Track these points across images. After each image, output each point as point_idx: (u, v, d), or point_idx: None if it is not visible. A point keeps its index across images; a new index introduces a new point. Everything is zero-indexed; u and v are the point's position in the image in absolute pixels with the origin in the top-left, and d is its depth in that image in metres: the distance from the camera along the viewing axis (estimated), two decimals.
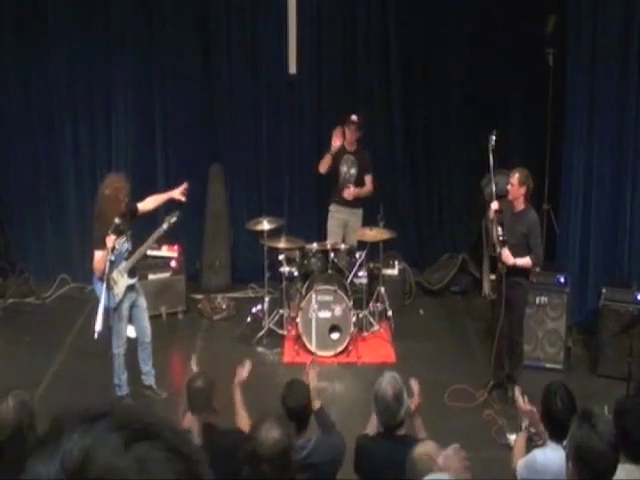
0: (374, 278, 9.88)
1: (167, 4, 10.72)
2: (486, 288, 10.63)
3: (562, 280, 8.99)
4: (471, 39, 10.79)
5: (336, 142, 9.96)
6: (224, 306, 10.38)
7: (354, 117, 9.83)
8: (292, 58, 10.73)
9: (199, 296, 10.66)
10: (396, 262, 10.38)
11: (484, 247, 10.81)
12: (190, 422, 5.61)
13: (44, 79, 10.78)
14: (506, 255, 7.95)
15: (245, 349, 9.45)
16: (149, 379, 8.43)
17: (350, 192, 9.99)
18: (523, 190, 7.98)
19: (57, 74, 10.77)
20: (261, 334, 9.58)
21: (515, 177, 8.02)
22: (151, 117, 10.93)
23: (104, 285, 7.70)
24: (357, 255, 9.64)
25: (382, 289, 9.79)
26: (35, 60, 10.73)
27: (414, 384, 5.88)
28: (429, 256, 11.21)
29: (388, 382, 5.36)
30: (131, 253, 7.98)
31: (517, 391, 5.63)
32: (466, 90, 10.98)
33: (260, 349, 9.52)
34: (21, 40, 10.66)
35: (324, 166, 10.05)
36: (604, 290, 8.75)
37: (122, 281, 7.97)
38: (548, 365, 8.89)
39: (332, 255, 9.62)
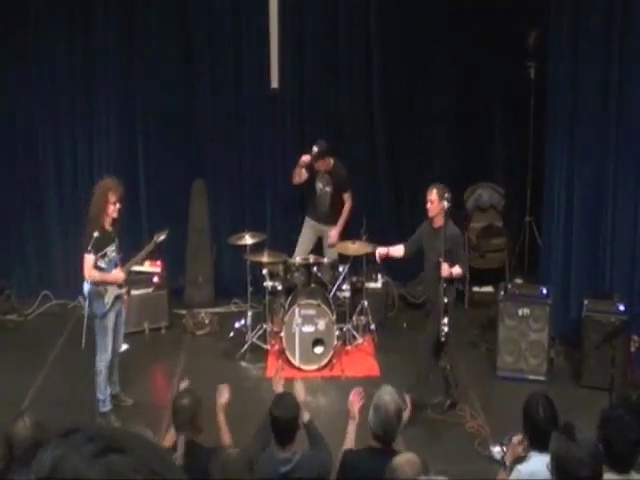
0: (357, 292, 9.88)
1: (149, 19, 10.72)
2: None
3: (544, 292, 9.02)
4: (453, 53, 10.82)
5: (304, 156, 9.92)
6: (207, 321, 10.35)
7: (314, 148, 9.79)
8: (274, 73, 10.74)
9: (182, 311, 10.62)
10: (379, 275, 10.38)
11: (466, 259, 10.85)
12: (172, 439, 5.60)
13: (26, 94, 10.74)
14: (444, 269, 7.96)
15: (228, 364, 9.44)
16: (115, 388, 8.45)
17: (333, 239, 10.01)
18: (443, 205, 7.98)
19: (39, 91, 10.74)
20: (244, 349, 9.56)
21: (433, 192, 8.02)
22: (133, 134, 10.91)
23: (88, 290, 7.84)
24: (340, 269, 9.65)
25: (365, 302, 9.79)
26: (16, 75, 10.71)
27: (408, 399, 5.91)
28: (412, 269, 11.14)
29: (391, 397, 5.36)
30: (121, 261, 8.05)
31: (516, 439, 5.54)
32: (448, 103, 11.01)
33: (243, 364, 9.50)
34: (2, 54, 10.65)
35: (297, 178, 10.06)
36: (586, 301, 8.78)
37: (111, 290, 8.00)
38: (531, 377, 8.90)
39: (315, 269, 9.62)
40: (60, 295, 10.99)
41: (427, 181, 11.15)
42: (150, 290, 10.23)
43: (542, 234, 10.13)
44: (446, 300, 7.93)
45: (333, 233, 10.07)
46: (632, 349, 8.69)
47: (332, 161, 10.00)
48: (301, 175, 10.03)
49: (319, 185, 10.09)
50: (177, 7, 10.79)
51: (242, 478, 4.40)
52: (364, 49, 10.88)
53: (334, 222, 10.10)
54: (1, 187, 10.94)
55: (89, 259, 7.80)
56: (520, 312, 8.94)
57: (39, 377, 9.10)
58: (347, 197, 10.09)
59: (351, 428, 5.79)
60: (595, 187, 9.26)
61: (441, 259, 7.87)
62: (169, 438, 5.69)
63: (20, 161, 10.93)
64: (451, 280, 8.09)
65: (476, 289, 10.98)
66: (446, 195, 7.97)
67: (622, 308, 8.63)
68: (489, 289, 10.77)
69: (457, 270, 8.03)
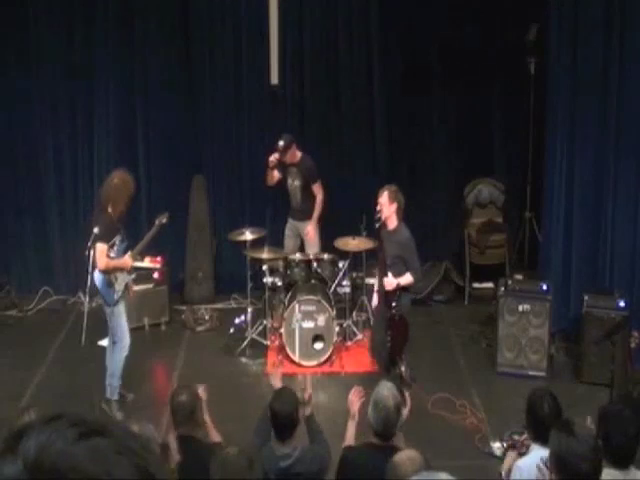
0: (357, 287, 9.88)
1: (149, 18, 10.71)
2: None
3: (544, 287, 9.02)
4: (453, 48, 10.79)
5: (271, 156, 9.92)
6: (207, 317, 10.36)
7: (280, 143, 9.78)
8: (274, 69, 10.74)
9: (182, 307, 10.63)
10: None
11: (467, 255, 10.85)
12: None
13: (26, 95, 10.75)
14: (389, 283, 7.94)
15: (228, 360, 9.45)
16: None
17: (311, 234, 10.02)
18: (394, 207, 7.95)
19: (39, 91, 10.75)
20: (244, 345, 9.56)
21: (384, 195, 8.00)
22: (134, 129, 10.90)
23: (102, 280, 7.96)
24: (340, 265, 9.64)
25: (365, 299, 9.79)
26: (17, 77, 10.72)
27: (407, 396, 5.91)
28: None
29: (389, 391, 5.36)
30: (128, 249, 8.13)
31: (524, 437, 5.56)
32: (448, 99, 11.01)
33: (243, 360, 9.50)
34: (3, 59, 10.67)
35: (269, 180, 10.06)
36: (586, 297, 8.78)
37: (121, 277, 8.11)
38: (531, 372, 8.91)
39: (315, 265, 9.62)
40: (60, 291, 11.00)
41: (427, 177, 11.27)
42: (150, 286, 10.22)
43: (542, 230, 10.13)
44: (394, 311, 7.93)
45: (309, 229, 10.05)
46: (632, 345, 8.67)
47: (299, 153, 9.99)
48: (273, 177, 10.04)
49: (289, 180, 10.11)
50: (177, 3, 10.79)
51: (242, 477, 4.40)
52: (364, 45, 10.87)
53: (309, 217, 10.09)
54: (1, 183, 10.94)
55: (103, 248, 7.88)
56: (520, 308, 8.94)
57: (39, 372, 9.11)
58: (317, 188, 10.05)
59: (351, 427, 5.80)
60: (595, 183, 9.26)
61: (389, 273, 7.88)
62: (172, 436, 5.69)
63: (20, 157, 10.93)
64: (405, 288, 8.08)
65: (476, 285, 10.97)
66: (399, 197, 7.94)
67: (622, 304, 8.63)
68: (489, 285, 10.75)
69: (407, 279, 8.00)
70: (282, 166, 9.99)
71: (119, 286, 8.07)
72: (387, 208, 7.97)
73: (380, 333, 8.23)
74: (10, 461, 1.19)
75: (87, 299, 10.06)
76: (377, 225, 8.33)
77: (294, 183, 10.10)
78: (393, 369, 8.35)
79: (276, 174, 10.02)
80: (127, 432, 1.27)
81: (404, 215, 8.37)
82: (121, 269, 8.05)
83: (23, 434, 1.21)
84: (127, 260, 8.05)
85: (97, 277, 8.06)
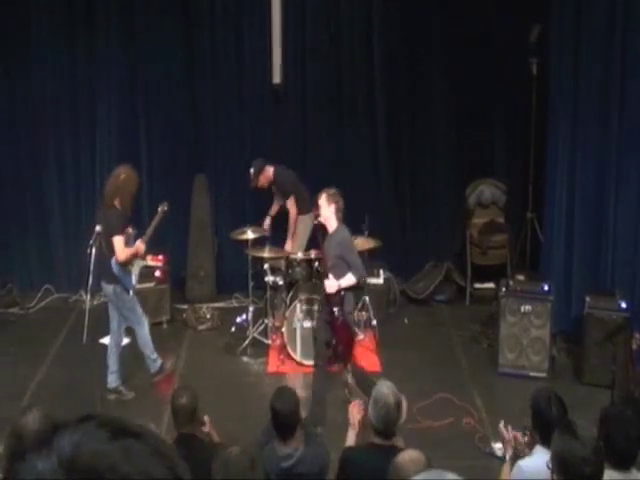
0: (359, 287, 9.86)
1: (151, 16, 10.72)
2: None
3: (546, 288, 9.01)
4: (455, 49, 10.79)
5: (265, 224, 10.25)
6: (208, 316, 10.36)
7: (251, 171, 10.00)
8: (276, 68, 10.74)
9: (184, 306, 10.63)
10: (381, 271, 10.38)
11: (468, 255, 10.85)
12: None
13: (28, 94, 10.77)
14: (329, 286, 7.94)
15: (230, 359, 9.46)
16: (117, 380, 8.60)
17: (288, 249, 10.09)
18: (333, 208, 7.96)
19: (41, 90, 10.76)
20: (246, 344, 9.56)
21: (322, 197, 7.99)
22: (136, 129, 10.92)
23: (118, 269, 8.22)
24: None
25: (367, 298, 9.79)
26: (19, 76, 10.74)
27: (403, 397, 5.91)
28: (414, 265, 11.21)
29: (389, 389, 5.34)
30: (137, 237, 8.42)
31: (501, 424, 5.59)
32: (450, 99, 11.01)
33: (245, 359, 9.51)
34: (4, 57, 10.68)
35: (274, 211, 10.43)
36: (588, 298, 8.77)
37: (136, 264, 8.43)
38: (532, 373, 8.90)
39: (317, 264, 9.61)
40: (62, 289, 11.03)
41: (429, 178, 11.27)
42: (152, 284, 10.23)
43: (544, 230, 10.11)
44: (336, 315, 7.90)
45: (287, 246, 10.16)
46: (634, 347, 8.67)
47: (271, 171, 10.09)
48: (275, 210, 10.43)
49: (276, 198, 10.38)
50: (179, 2, 10.79)
51: (244, 477, 4.40)
52: (365, 45, 10.87)
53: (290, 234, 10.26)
54: (3, 182, 10.96)
55: (120, 240, 8.14)
56: (522, 308, 8.94)
57: (40, 370, 9.11)
58: (290, 204, 10.15)
59: (350, 436, 5.78)
60: (597, 183, 9.25)
61: (329, 276, 7.88)
62: None
63: (22, 157, 10.95)
64: (349, 289, 8.07)
65: (477, 285, 10.97)
66: (337, 200, 7.94)
67: (624, 305, 8.62)
68: (490, 285, 10.75)
69: (348, 280, 7.97)
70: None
71: (135, 270, 8.38)
72: (326, 209, 7.96)
73: (322, 337, 8.19)
74: (44, 458, 1.22)
75: (88, 297, 10.06)
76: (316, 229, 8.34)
77: (280, 202, 10.37)
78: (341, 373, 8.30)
79: (267, 226, 10.24)
80: (155, 434, 1.30)
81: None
82: (136, 255, 8.33)
83: (56, 432, 1.25)
84: (140, 245, 8.35)
85: (115, 268, 8.23)
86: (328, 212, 7.96)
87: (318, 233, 8.31)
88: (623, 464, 4.47)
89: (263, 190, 10.38)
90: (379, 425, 5.27)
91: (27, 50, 10.66)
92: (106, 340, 8.88)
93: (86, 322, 9.75)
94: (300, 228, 10.10)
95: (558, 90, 9.47)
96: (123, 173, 8.32)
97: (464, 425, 8.00)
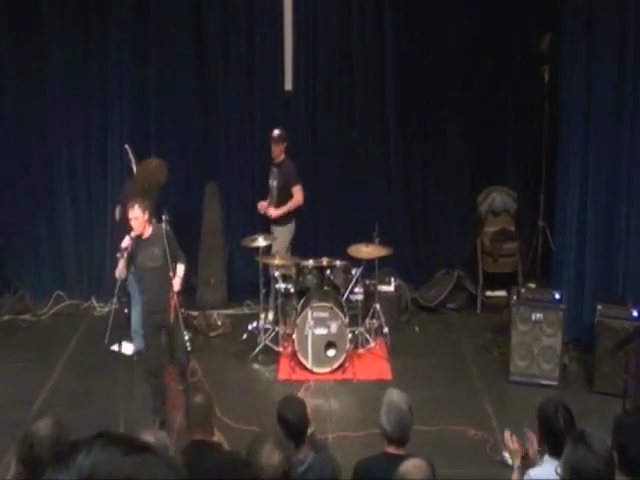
0: (370, 295, 9.87)
1: (164, 22, 10.74)
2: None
3: (557, 297, 8.99)
4: (467, 55, 10.80)
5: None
6: (220, 323, 10.37)
7: (276, 131, 10.02)
8: (288, 75, 10.76)
9: (195, 313, 10.64)
10: (392, 279, 10.37)
11: (480, 263, 10.84)
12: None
13: (41, 95, 10.80)
14: (175, 283, 8.00)
15: (241, 366, 9.46)
16: None
17: (272, 214, 10.12)
18: (147, 217, 7.95)
19: (53, 91, 10.80)
20: (257, 351, 9.57)
21: (135, 208, 7.92)
22: (147, 135, 10.93)
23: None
24: (353, 272, 9.64)
25: (378, 306, 9.78)
26: (31, 75, 10.77)
27: None
28: (425, 272, 11.20)
29: (399, 395, 5.33)
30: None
31: (506, 434, 5.57)
32: (462, 107, 11.01)
33: (256, 366, 9.51)
34: (18, 58, 10.72)
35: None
36: (599, 307, 8.75)
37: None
38: (544, 382, 8.88)
39: (328, 272, 9.63)
40: (73, 295, 11.06)
41: (441, 186, 11.27)
42: None
43: (555, 238, 10.09)
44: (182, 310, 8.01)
45: (272, 211, 10.15)
46: None
47: (284, 155, 10.12)
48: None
49: (270, 179, 10.27)
50: (191, 10, 10.82)
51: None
52: (378, 50, 10.88)
53: (281, 222, 10.18)
54: (15, 189, 10.99)
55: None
56: (533, 317, 8.92)
57: (52, 377, 9.13)
58: (296, 190, 10.13)
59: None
60: (609, 192, 9.23)
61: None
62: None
63: (33, 163, 10.99)
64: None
65: (489, 293, 10.95)
66: (146, 205, 7.96)
67: (636, 314, 8.60)
68: (502, 293, 10.74)
69: (180, 270, 8.07)
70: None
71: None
72: (142, 220, 7.92)
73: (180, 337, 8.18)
74: (64, 473, 1.28)
75: (115, 300, 9.76)
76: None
77: (273, 183, 10.23)
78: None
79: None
80: (167, 447, 1.39)
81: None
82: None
83: (62, 445, 1.32)
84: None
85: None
86: (144, 221, 7.89)
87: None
88: (637, 473, 4.46)
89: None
90: (394, 432, 5.22)
91: (40, 50, 10.69)
92: (116, 347, 8.87)
93: (110, 324, 9.56)
94: (284, 232, 10.17)
95: (570, 98, 9.45)
96: (154, 162, 8.77)
97: (471, 436, 7.95)
